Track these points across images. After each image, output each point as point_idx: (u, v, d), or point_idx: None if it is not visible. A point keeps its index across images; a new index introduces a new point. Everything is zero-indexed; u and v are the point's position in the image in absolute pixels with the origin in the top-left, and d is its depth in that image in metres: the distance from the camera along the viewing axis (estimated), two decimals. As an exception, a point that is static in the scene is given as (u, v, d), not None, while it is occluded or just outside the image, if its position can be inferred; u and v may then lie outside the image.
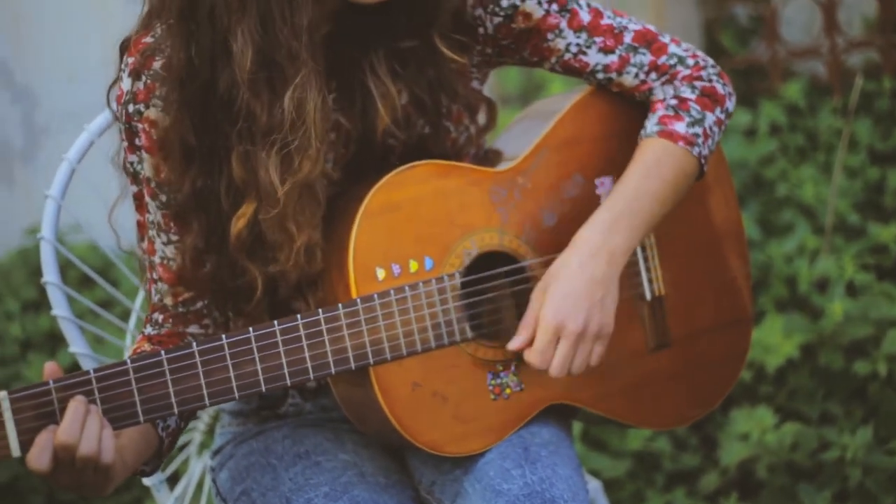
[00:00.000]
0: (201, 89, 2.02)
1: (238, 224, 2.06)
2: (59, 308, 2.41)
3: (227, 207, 2.07)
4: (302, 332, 2.01)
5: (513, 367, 2.14)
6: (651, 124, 2.19)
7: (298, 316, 2.01)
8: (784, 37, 4.06)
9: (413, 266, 2.08)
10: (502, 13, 2.16)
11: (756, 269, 3.68)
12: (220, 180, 2.06)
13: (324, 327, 2.02)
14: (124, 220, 2.23)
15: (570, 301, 2.08)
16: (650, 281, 2.25)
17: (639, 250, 2.24)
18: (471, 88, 2.20)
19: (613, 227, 2.12)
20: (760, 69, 4.12)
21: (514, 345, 2.10)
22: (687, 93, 2.21)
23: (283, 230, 2.04)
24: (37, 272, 4.22)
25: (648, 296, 2.25)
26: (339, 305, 2.03)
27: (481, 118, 2.23)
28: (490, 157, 2.26)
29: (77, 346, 2.43)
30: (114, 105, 2.12)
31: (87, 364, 2.43)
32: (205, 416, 2.71)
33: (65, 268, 2.46)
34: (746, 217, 3.77)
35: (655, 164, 2.16)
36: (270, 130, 1.99)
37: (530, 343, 2.09)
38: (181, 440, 2.57)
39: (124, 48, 2.10)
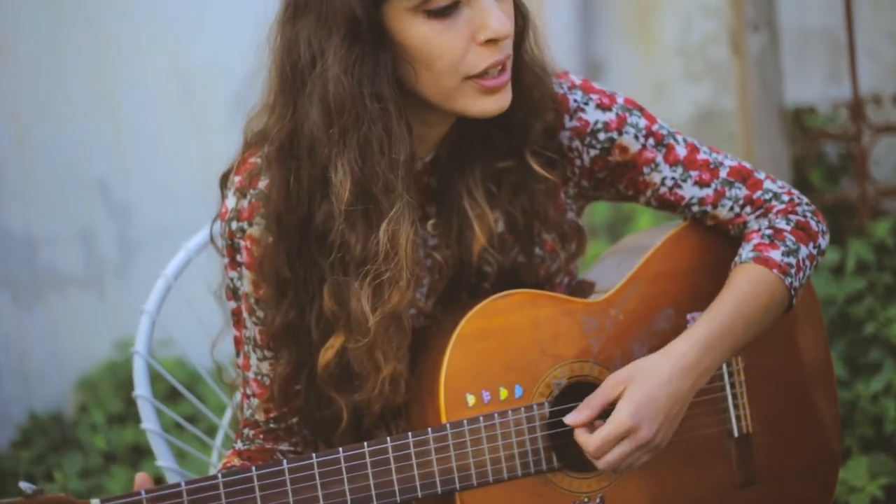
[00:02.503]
0: (299, 224, 2.07)
1: (326, 355, 2.09)
2: (149, 422, 2.44)
3: (316, 339, 2.10)
4: (391, 455, 2.03)
5: (598, 499, 2.13)
6: (746, 251, 2.20)
7: (388, 438, 2.03)
8: (873, 176, 4.06)
9: (503, 393, 2.09)
10: (599, 146, 2.19)
11: (842, 407, 3.63)
12: (311, 312, 2.10)
13: (412, 450, 2.03)
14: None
15: (652, 408, 2.07)
16: (738, 418, 2.24)
17: (727, 387, 2.24)
18: (564, 216, 2.23)
19: (709, 349, 2.12)
20: (849, 207, 4.11)
21: (571, 419, 2.09)
22: (782, 224, 2.23)
23: (371, 359, 2.07)
24: (123, 385, 4.28)
25: (736, 433, 2.23)
26: (429, 430, 2.05)
27: (572, 246, 2.26)
28: (583, 288, 2.27)
29: (164, 460, 2.46)
30: (217, 227, 2.17)
31: (173, 478, 2.45)
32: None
33: (152, 381, 2.49)
34: (833, 355, 3.74)
35: (750, 289, 2.16)
36: (364, 261, 2.03)
37: (585, 423, 2.08)
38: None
39: (224, 182, 2.16)
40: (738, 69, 4.00)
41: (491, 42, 1.99)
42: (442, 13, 1.98)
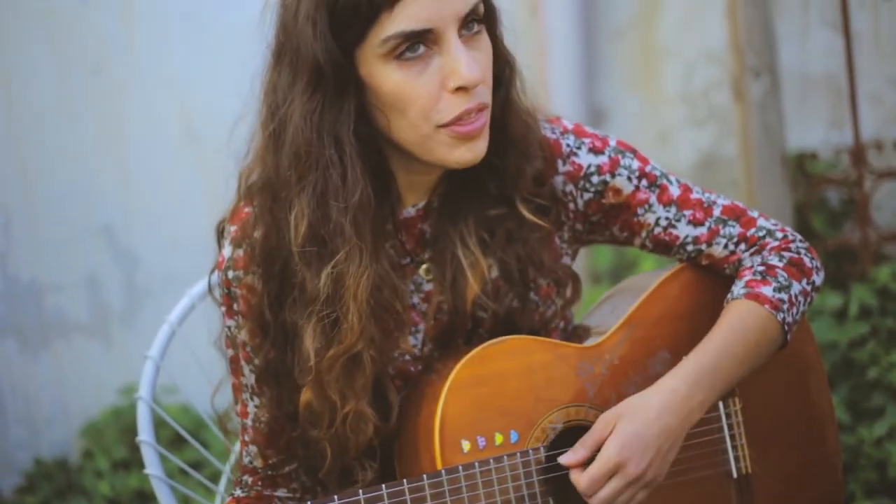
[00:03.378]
0: (278, 267, 2.09)
1: (305, 395, 2.11)
2: (153, 467, 2.45)
3: (297, 379, 2.12)
4: (386, 502, 2.03)
5: (597, 542, 2.14)
6: (738, 288, 2.22)
7: (383, 486, 2.04)
8: (875, 221, 4.07)
9: (498, 439, 2.10)
10: (593, 189, 2.21)
11: (845, 452, 3.63)
12: (292, 354, 2.12)
13: (408, 497, 2.04)
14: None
15: (639, 443, 2.08)
16: (737, 459, 2.25)
17: (725, 427, 2.25)
18: (559, 262, 2.24)
19: (698, 383, 2.13)
20: (852, 252, 4.12)
21: (566, 459, 2.10)
22: (775, 260, 2.24)
23: (323, 398, 2.09)
24: (128, 431, 4.29)
25: (735, 474, 2.24)
26: (424, 476, 2.05)
27: (567, 292, 2.27)
28: (578, 333, 2.29)
29: (167, 505, 2.47)
30: (214, 278, 2.19)
31: (176, 524, 2.46)
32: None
33: (157, 427, 2.51)
34: (836, 400, 3.74)
35: (741, 324, 2.18)
36: (311, 301, 2.06)
37: (581, 464, 2.10)
38: None
39: (220, 231, 2.19)
40: (740, 115, 4.02)
41: (461, 90, 2.01)
42: (413, 59, 2.00)
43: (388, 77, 2.01)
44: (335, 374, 2.07)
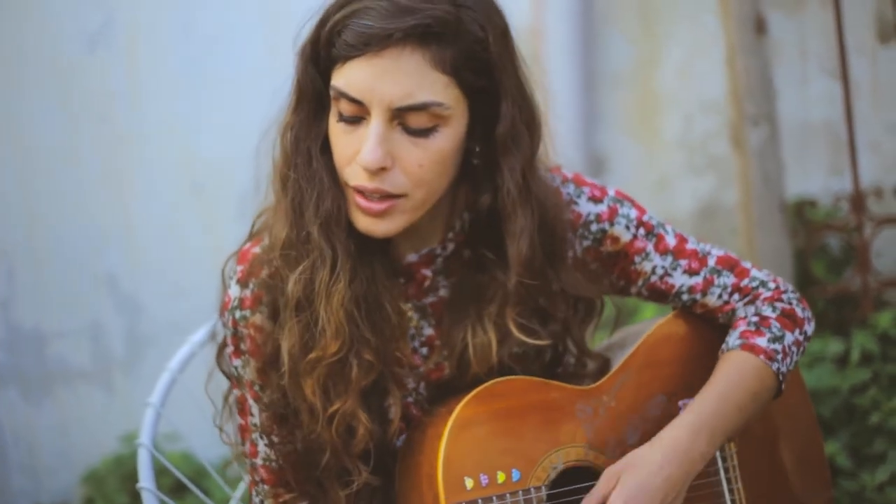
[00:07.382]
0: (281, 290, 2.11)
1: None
2: (152, 514, 2.46)
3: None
4: (393, 539, 2.05)
5: (598, 583, 2.14)
6: (733, 339, 2.24)
7: (390, 523, 2.05)
8: (876, 267, 4.08)
9: (501, 477, 2.11)
10: (591, 237, 2.24)
11: (847, 497, 3.64)
12: None
13: (412, 535, 2.05)
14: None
15: (644, 497, 2.10)
16: (734, 502, 2.26)
17: (721, 472, 2.26)
18: (564, 310, 2.26)
19: (699, 433, 2.15)
20: (852, 299, 4.13)
21: None
22: (768, 311, 2.27)
23: (301, 398, 2.10)
24: (129, 478, 4.28)
25: (732, 517, 2.26)
26: (427, 513, 2.07)
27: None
28: (577, 377, 2.30)
29: (168, 552, 2.47)
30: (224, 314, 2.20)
31: (177, 571, 2.46)
32: None
33: (158, 475, 2.51)
34: (837, 446, 3.75)
35: (738, 374, 2.20)
36: (285, 306, 2.09)
37: None
38: None
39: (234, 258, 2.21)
40: (739, 163, 4.04)
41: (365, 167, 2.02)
42: (346, 120, 2.03)
43: (332, 118, 2.07)
44: (317, 376, 2.09)
